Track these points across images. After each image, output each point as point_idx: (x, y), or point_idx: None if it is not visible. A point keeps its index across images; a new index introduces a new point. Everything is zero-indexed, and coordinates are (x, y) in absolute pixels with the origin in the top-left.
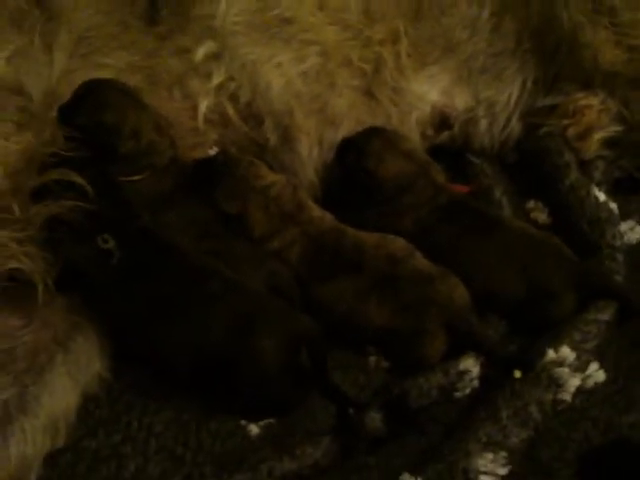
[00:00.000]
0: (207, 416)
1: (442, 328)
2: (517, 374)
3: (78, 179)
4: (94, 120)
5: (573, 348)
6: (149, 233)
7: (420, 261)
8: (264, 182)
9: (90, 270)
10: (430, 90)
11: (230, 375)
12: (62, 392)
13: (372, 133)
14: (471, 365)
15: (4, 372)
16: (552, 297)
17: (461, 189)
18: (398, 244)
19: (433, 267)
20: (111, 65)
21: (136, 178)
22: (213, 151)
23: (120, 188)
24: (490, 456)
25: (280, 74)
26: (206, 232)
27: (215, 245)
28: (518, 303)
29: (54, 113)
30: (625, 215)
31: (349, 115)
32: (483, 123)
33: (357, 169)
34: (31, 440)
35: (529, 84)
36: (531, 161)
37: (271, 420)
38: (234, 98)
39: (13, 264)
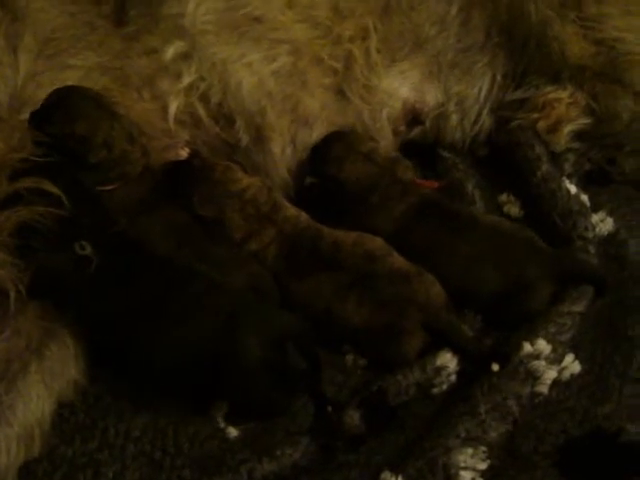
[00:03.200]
0: (184, 420)
1: (419, 326)
2: (495, 367)
3: (52, 188)
4: (65, 130)
5: (549, 341)
6: (126, 237)
7: (397, 259)
8: (240, 185)
9: (68, 277)
10: (401, 86)
11: (214, 376)
12: (36, 400)
13: (332, 138)
14: (448, 360)
15: None
16: (528, 289)
17: (430, 184)
18: (375, 243)
19: (410, 266)
20: (78, 66)
21: (109, 188)
22: (184, 152)
23: (95, 195)
24: (470, 451)
25: (251, 73)
26: (184, 238)
27: (194, 250)
28: (494, 298)
29: (22, 116)
30: (596, 207)
31: (321, 114)
32: (454, 118)
33: (321, 175)
34: (5, 450)
35: (499, 78)
36: (502, 154)
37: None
38: (205, 98)
39: None
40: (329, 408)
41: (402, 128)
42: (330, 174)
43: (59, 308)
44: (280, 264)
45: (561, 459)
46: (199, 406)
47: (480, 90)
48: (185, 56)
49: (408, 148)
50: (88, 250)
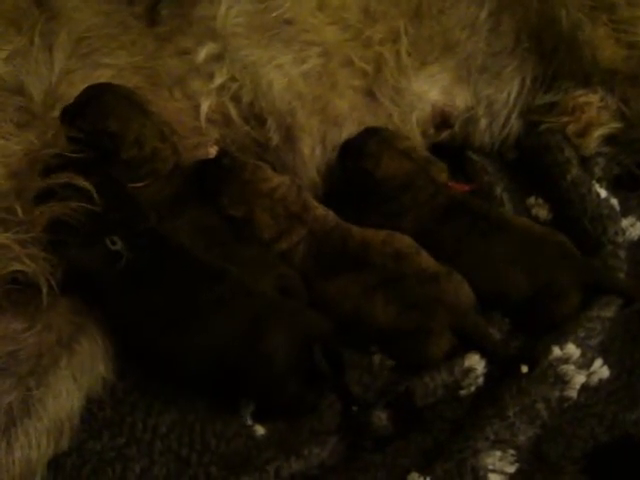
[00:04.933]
0: (212, 417)
1: (447, 327)
2: (524, 369)
3: (84, 183)
4: (97, 127)
5: (578, 345)
6: (157, 235)
7: (426, 259)
8: (270, 185)
9: (98, 272)
10: (430, 89)
11: (242, 377)
12: (66, 395)
13: (369, 134)
14: (476, 362)
15: (8, 375)
16: (558, 295)
17: (462, 188)
18: (404, 242)
19: (439, 266)
20: (111, 65)
21: (139, 185)
22: (213, 149)
23: (127, 191)
24: (498, 454)
25: (282, 75)
26: (213, 239)
27: (223, 251)
28: (524, 301)
29: (55, 113)
30: (625, 211)
31: (351, 115)
32: (483, 121)
33: (356, 170)
34: (35, 444)
35: (528, 82)
36: (532, 157)
37: (277, 420)
38: (236, 98)
39: (16, 266)
40: (354, 408)
41: (431, 131)
42: (366, 169)
43: (90, 304)
44: (308, 264)
45: (589, 465)
46: (226, 404)
47: (509, 94)
48: (217, 57)
49: (437, 151)
50: (119, 245)
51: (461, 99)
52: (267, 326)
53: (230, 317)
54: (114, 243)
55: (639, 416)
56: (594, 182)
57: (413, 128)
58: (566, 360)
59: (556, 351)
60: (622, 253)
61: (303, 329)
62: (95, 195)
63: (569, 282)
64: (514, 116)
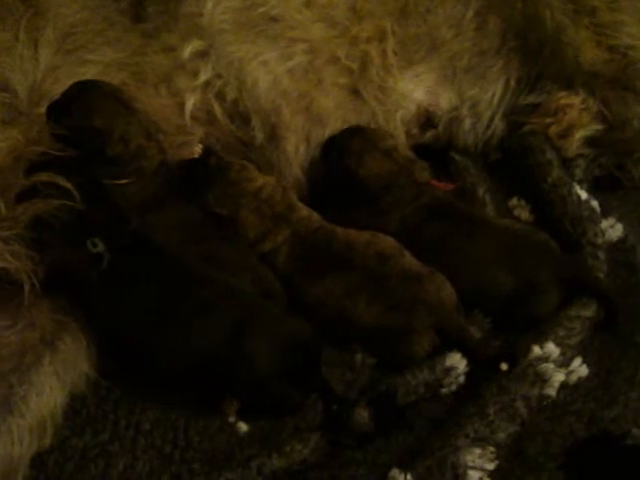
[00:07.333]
0: (195, 414)
1: (429, 327)
2: (504, 366)
3: (66, 183)
4: (82, 124)
5: (558, 344)
6: (140, 236)
7: (409, 260)
8: (255, 185)
9: (81, 273)
10: (415, 89)
11: (225, 379)
12: (49, 392)
13: (352, 132)
14: (457, 361)
15: None
16: (538, 292)
17: (445, 187)
18: (388, 242)
19: (421, 266)
20: (96, 61)
21: (124, 182)
22: (198, 148)
23: (109, 191)
24: (478, 451)
25: (267, 72)
26: (194, 237)
27: (203, 250)
28: (505, 300)
29: (40, 110)
30: (606, 212)
31: (336, 113)
32: (467, 122)
33: (339, 169)
34: (18, 441)
35: (512, 83)
36: (514, 159)
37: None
38: (221, 96)
39: None
40: (334, 407)
41: (415, 131)
42: (349, 168)
43: (72, 302)
44: (292, 264)
45: (568, 461)
46: (210, 402)
47: (494, 94)
48: (202, 54)
49: (420, 151)
50: (100, 248)
51: (445, 99)
52: (248, 330)
53: (213, 319)
54: (95, 245)
55: (617, 413)
56: (575, 184)
57: (397, 127)
58: (546, 359)
59: (536, 350)
60: (601, 254)
61: (284, 332)
62: (76, 195)
63: (549, 280)
64: (498, 117)
